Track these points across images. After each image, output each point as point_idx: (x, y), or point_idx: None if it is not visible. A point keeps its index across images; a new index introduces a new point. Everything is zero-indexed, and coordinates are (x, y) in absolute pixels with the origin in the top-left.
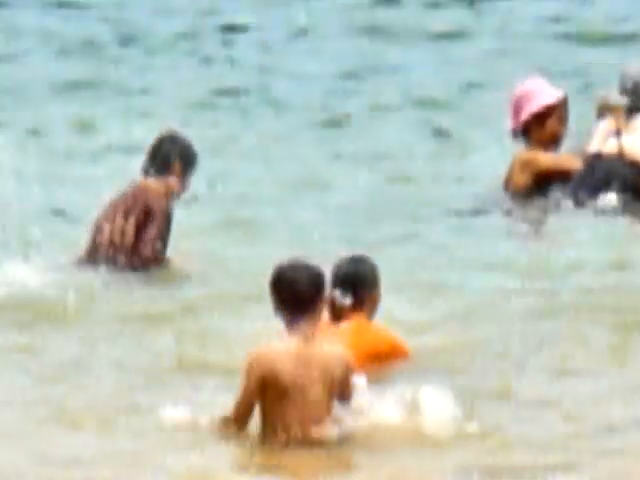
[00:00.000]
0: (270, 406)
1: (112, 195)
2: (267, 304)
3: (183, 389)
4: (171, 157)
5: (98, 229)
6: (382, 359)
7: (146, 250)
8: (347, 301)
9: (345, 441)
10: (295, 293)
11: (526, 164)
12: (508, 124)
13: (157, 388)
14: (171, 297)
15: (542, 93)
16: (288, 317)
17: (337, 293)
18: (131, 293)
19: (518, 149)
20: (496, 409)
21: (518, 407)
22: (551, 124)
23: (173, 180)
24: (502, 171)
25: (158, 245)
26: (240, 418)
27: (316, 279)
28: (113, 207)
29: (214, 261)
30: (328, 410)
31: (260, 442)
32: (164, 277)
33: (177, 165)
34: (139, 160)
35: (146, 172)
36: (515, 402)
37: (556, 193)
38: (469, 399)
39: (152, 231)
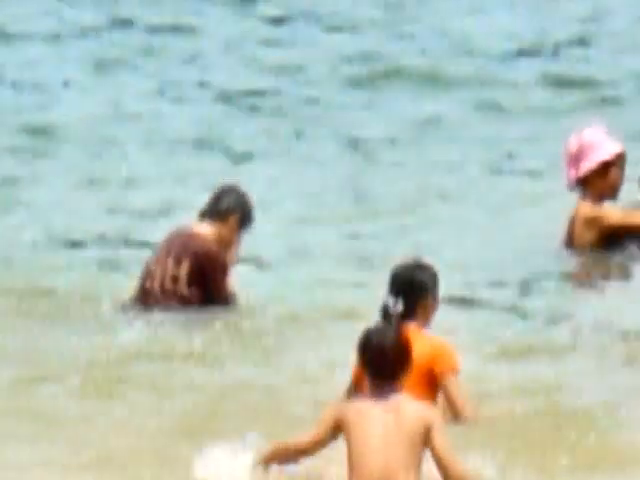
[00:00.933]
0: (354, 455)
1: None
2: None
3: None
4: (231, 210)
5: (149, 273)
6: (424, 371)
7: (222, 302)
8: (398, 308)
9: None
10: (380, 358)
11: (592, 220)
12: (566, 175)
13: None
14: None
15: (605, 143)
16: (370, 379)
17: (390, 299)
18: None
19: (575, 200)
20: None
21: None
22: (614, 174)
23: (226, 231)
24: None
25: (229, 292)
26: (308, 447)
27: (403, 348)
28: (164, 251)
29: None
30: (413, 466)
31: None
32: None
33: (234, 219)
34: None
35: (202, 216)
36: None
37: (623, 249)
38: None
39: (220, 282)
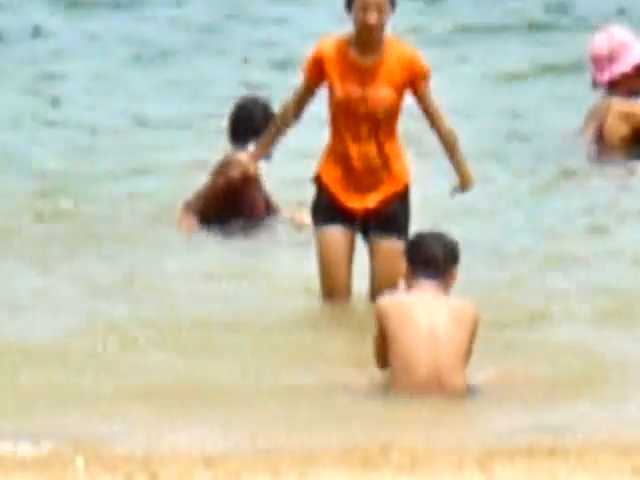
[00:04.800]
0: (400, 352)
1: None
2: None
3: None
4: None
5: None
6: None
7: None
8: None
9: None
10: (426, 254)
11: (627, 116)
12: (593, 75)
13: None
14: None
15: (637, 45)
16: (415, 278)
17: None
18: None
19: (597, 99)
20: None
21: None
22: None
23: None
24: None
25: None
26: (378, 358)
27: (449, 246)
28: None
29: None
30: (463, 360)
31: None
32: None
33: None
34: None
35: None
36: None
37: None
38: None
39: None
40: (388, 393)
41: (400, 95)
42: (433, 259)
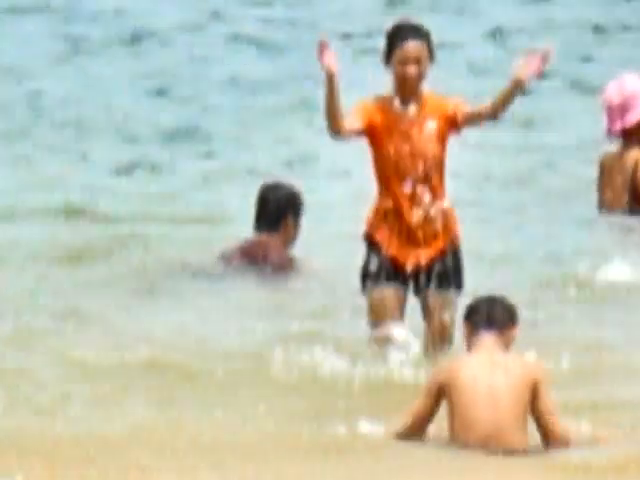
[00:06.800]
0: (461, 409)
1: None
2: None
3: None
4: (282, 212)
5: None
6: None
7: None
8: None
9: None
10: (487, 310)
11: None
12: (607, 124)
13: None
14: None
15: None
16: (475, 334)
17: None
18: None
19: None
20: None
21: None
22: None
23: (288, 234)
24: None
25: None
26: (415, 428)
27: (508, 307)
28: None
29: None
30: (523, 417)
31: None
32: None
33: (290, 218)
34: None
35: (259, 229)
36: None
37: None
38: None
39: None
40: (446, 449)
41: (445, 127)
42: (494, 314)
